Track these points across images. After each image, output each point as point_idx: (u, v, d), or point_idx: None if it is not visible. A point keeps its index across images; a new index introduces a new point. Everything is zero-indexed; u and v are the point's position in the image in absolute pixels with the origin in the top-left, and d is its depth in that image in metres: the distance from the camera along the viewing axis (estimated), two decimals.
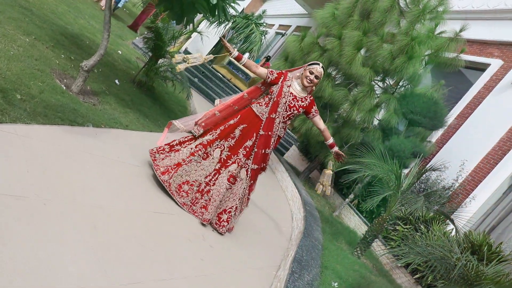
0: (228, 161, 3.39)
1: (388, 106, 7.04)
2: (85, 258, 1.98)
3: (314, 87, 3.51)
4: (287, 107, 3.40)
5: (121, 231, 2.42)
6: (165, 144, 3.46)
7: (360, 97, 6.75)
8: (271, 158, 3.64)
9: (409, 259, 4.95)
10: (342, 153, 3.61)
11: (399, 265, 5.52)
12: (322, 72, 3.42)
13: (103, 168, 2.97)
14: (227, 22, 11.39)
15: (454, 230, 5.73)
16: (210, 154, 3.37)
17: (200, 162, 3.35)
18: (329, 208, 7.01)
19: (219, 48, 12.76)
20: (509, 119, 7.28)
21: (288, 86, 3.42)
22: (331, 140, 3.66)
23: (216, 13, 4.06)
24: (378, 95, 7.20)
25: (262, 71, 3.47)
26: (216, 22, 11.23)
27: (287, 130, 6.15)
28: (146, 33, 5.99)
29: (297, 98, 3.42)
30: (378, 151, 5.24)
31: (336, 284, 3.58)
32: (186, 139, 3.46)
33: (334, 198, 7.80)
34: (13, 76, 3.24)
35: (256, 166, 3.48)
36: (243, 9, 12.68)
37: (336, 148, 3.64)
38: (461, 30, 6.68)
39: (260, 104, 3.42)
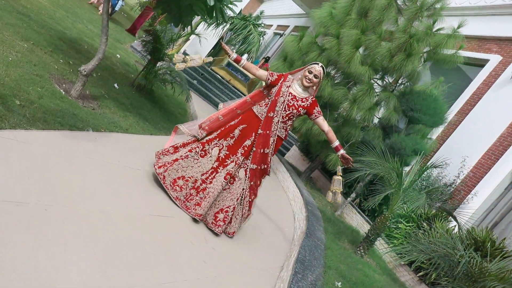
0: (227, 160, 3.38)
1: (387, 104, 7.04)
2: (87, 263, 1.97)
3: (315, 87, 3.49)
4: (286, 106, 3.38)
5: (122, 235, 2.42)
6: (170, 146, 3.52)
7: (360, 95, 6.75)
8: (272, 160, 3.60)
9: (412, 257, 4.95)
10: (350, 157, 3.40)
11: (403, 263, 5.51)
12: (322, 71, 3.40)
13: (104, 172, 2.97)
14: (225, 24, 11.41)
15: (456, 226, 5.73)
16: (208, 152, 3.39)
17: (197, 159, 3.36)
18: (331, 208, 7.00)
19: (217, 50, 12.77)
20: (509, 114, 7.27)
21: (287, 87, 3.42)
22: (336, 143, 3.45)
23: (214, 15, 4.06)
24: (378, 93, 7.20)
25: (262, 73, 3.49)
26: (214, 24, 11.24)
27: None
28: (144, 36, 5.98)
29: (297, 98, 3.40)
30: (378, 150, 5.23)
31: (339, 283, 3.57)
32: (189, 141, 3.50)
33: (336, 198, 7.77)
34: (12, 82, 3.24)
35: (255, 166, 3.45)
36: (240, 10, 12.70)
37: (342, 151, 3.43)
38: (459, 27, 6.67)
39: (260, 105, 3.45)
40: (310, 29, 12.53)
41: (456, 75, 8.72)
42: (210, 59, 3.70)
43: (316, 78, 3.39)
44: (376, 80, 7.43)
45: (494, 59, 8.21)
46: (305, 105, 3.41)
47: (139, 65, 7.71)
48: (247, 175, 3.45)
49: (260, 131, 3.40)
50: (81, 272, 1.89)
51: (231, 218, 3.46)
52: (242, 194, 3.48)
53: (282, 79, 3.43)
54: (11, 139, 2.51)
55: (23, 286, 1.61)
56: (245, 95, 12.31)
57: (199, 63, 3.60)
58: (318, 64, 3.42)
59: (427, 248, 4.44)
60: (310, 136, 7.29)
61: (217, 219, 3.34)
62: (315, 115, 3.44)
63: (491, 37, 8.52)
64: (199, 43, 10.93)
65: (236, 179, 3.44)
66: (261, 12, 17.85)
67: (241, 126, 3.41)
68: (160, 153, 3.49)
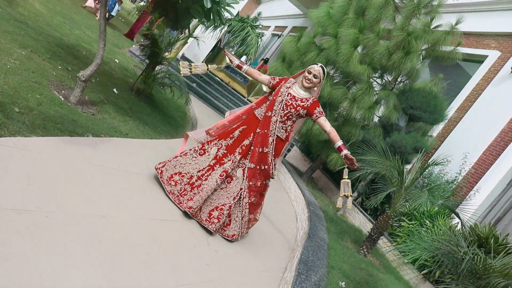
0: (224, 158, 3.42)
1: (387, 102, 7.03)
2: (89, 268, 1.97)
3: (317, 88, 3.48)
4: (284, 105, 3.38)
5: (125, 240, 2.41)
6: (180, 153, 3.56)
7: (359, 94, 6.74)
8: (277, 164, 3.59)
9: (416, 255, 4.94)
10: (353, 157, 3.24)
11: (406, 261, 5.49)
12: (321, 71, 3.39)
13: (105, 178, 2.96)
14: (222, 26, 11.43)
15: (459, 223, 5.72)
16: (207, 151, 3.45)
17: (196, 157, 3.44)
18: (333, 208, 6.99)
19: (216, 53, 12.78)
20: (509, 109, 7.26)
21: (287, 88, 3.44)
22: (339, 143, 3.31)
23: (211, 17, 4.06)
24: (377, 92, 7.19)
25: (264, 77, 3.57)
26: (211, 27, 11.26)
27: None
28: (142, 40, 5.98)
29: (296, 98, 3.40)
30: (379, 148, 5.23)
31: (343, 283, 3.56)
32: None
33: (338, 197, 7.77)
34: (11, 90, 3.24)
35: (253, 165, 3.43)
36: (238, 12, 12.71)
37: (345, 151, 3.27)
38: (456, 23, 6.68)
39: (261, 107, 3.51)
40: (308, 29, 12.54)
41: (455, 71, 8.72)
42: (215, 66, 3.75)
43: (315, 78, 3.38)
44: (375, 78, 7.43)
45: (492, 55, 8.21)
46: (305, 105, 3.38)
47: (137, 69, 7.71)
48: (245, 175, 3.44)
49: (258, 130, 3.43)
50: (84, 277, 1.89)
51: (230, 220, 3.44)
52: (240, 194, 3.44)
53: (283, 82, 3.48)
54: (11, 146, 2.50)
55: None
56: (244, 97, 12.34)
57: (204, 70, 3.66)
58: (317, 64, 3.43)
59: (430, 245, 4.43)
60: (310, 136, 7.29)
61: (211, 216, 3.32)
62: (316, 115, 3.39)
63: (489, 32, 8.51)
64: (197, 46, 10.95)
65: (234, 178, 3.43)
66: (259, 14, 17.84)
67: (242, 128, 3.47)
68: (169, 160, 3.50)
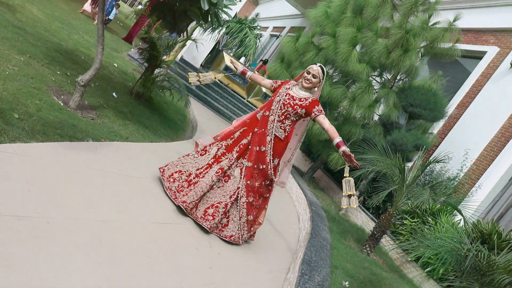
0: (222, 157, 3.47)
1: (387, 100, 7.03)
2: (92, 274, 1.96)
3: (317, 88, 3.48)
4: (282, 105, 3.40)
5: (126, 244, 2.40)
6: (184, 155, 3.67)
7: (359, 93, 6.74)
8: (281, 166, 3.63)
9: (419, 252, 4.92)
10: (351, 154, 3.12)
11: (409, 259, 5.48)
12: (320, 71, 3.39)
13: (105, 182, 2.96)
14: (220, 28, 11.42)
15: (462, 220, 5.70)
16: (208, 151, 3.54)
17: (196, 157, 3.55)
18: (335, 207, 6.98)
19: (214, 55, 12.78)
20: (509, 105, 7.25)
21: (286, 88, 3.47)
22: (337, 140, 3.24)
23: (209, 19, 4.06)
24: (377, 90, 7.19)
25: (267, 82, 3.69)
26: (209, 28, 11.26)
27: None
28: (140, 44, 5.98)
29: (294, 98, 3.40)
30: (380, 147, 5.22)
31: (347, 283, 3.55)
32: None
33: (340, 196, 7.76)
34: (10, 96, 3.23)
35: (250, 164, 3.42)
36: (236, 13, 12.71)
37: (344, 148, 3.17)
38: (455, 20, 6.67)
39: (262, 109, 3.56)
40: (306, 29, 12.55)
41: (454, 68, 8.71)
42: (221, 75, 3.85)
43: (314, 78, 3.38)
44: (374, 77, 7.42)
45: (491, 51, 8.20)
46: (303, 104, 3.36)
47: (136, 73, 7.71)
48: (242, 174, 3.44)
49: (256, 129, 3.47)
50: (85, 281, 1.88)
51: (228, 221, 3.41)
52: (237, 193, 3.40)
53: (284, 84, 3.54)
54: (11, 152, 2.50)
55: None
56: (243, 98, 12.34)
57: (211, 79, 3.81)
58: (316, 64, 3.44)
59: (434, 243, 4.42)
60: (311, 136, 7.28)
61: (206, 213, 3.31)
62: (315, 114, 3.35)
63: (487, 28, 8.51)
64: (195, 48, 10.94)
65: (231, 177, 3.44)
66: (257, 15, 17.88)
67: (242, 129, 3.53)
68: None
